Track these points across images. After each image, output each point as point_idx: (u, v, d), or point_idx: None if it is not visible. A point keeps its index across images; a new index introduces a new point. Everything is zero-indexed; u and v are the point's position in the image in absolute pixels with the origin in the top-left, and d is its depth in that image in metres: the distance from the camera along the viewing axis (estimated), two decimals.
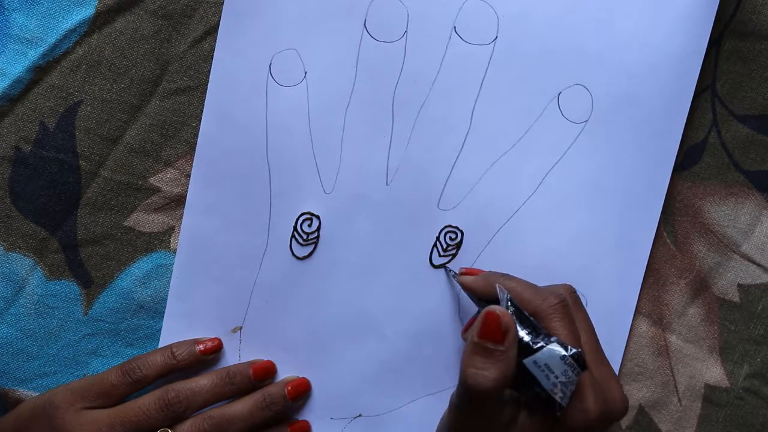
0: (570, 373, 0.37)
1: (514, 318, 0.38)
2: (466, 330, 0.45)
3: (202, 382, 0.44)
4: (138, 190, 0.46)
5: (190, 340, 0.46)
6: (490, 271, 0.45)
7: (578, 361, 0.37)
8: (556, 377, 0.37)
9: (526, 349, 0.38)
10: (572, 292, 0.42)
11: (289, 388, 0.46)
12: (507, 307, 0.39)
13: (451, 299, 0.47)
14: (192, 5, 0.45)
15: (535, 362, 0.37)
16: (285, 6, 0.45)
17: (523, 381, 0.38)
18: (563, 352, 0.37)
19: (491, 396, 0.37)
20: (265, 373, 0.46)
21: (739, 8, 0.47)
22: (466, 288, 0.44)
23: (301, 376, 0.47)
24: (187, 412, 0.43)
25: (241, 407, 0.44)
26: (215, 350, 0.46)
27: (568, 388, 0.37)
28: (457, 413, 0.38)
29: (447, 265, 0.47)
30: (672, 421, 0.50)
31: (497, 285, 0.42)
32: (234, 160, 0.46)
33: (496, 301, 0.41)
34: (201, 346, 0.46)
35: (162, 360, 0.45)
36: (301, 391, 0.46)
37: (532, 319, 0.39)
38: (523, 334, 0.38)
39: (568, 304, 0.41)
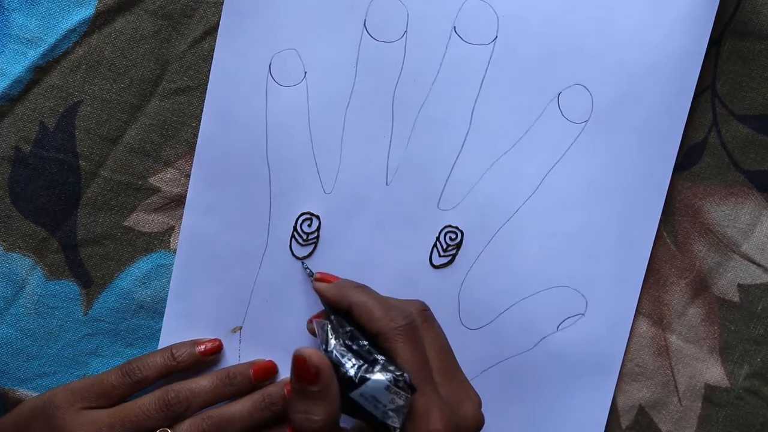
0: (398, 399, 0.37)
1: (338, 350, 0.39)
2: (310, 321, 0.46)
3: (202, 382, 0.44)
4: (138, 190, 0.46)
5: (190, 341, 0.46)
6: (344, 280, 0.44)
7: (407, 386, 0.37)
8: (384, 406, 0.37)
9: (350, 382, 0.37)
10: (423, 309, 0.42)
11: (289, 388, 0.46)
12: (327, 341, 0.39)
13: (451, 299, 0.47)
14: (192, 5, 0.45)
15: (361, 395, 0.37)
16: (285, 6, 0.45)
17: (358, 409, 0.38)
18: (388, 383, 0.37)
19: None
20: (265, 373, 0.46)
21: (739, 8, 0.47)
22: (320, 295, 0.44)
23: None
24: (187, 413, 0.43)
25: (240, 407, 0.44)
26: (215, 351, 0.46)
27: (400, 412, 0.37)
28: None
29: (305, 262, 0.46)
30: (672, 421, 0.50)
31: (315, 321, 0.42)
32: (234, 160, 0.46)
33: (349, 310, 0.41)
34: (201, 347, 0.46)
35: (162, 361, 0.44)
36: None
37: (365, 344, 0.39)
38: (349, 366, 0.38)
39: (416, 325, 0.40)
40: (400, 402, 0.37)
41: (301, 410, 0.37)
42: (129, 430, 0.42)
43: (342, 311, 0.42)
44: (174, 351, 0.45)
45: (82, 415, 0.42)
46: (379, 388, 0.37)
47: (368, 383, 0.37)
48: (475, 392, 0.41)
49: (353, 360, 0.38)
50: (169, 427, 0.43)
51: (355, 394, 0.37)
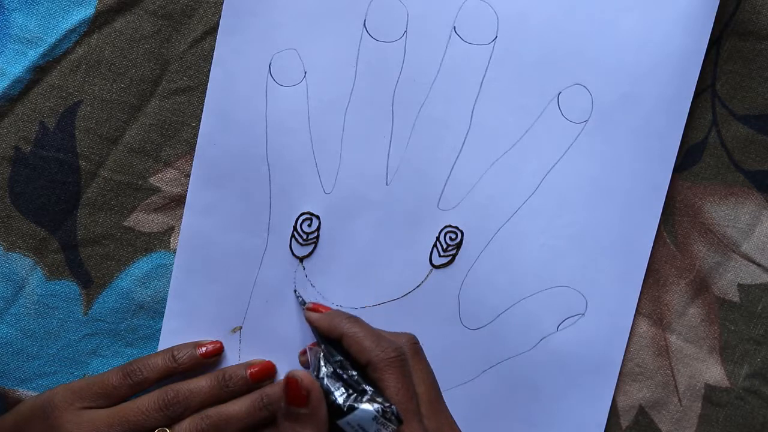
0: (384, 430, 0.38)
1: (328, 377, 0.40)
2: (303, 354, 0.46)
3: (201, 382, 0.44)
4: (138, 190, 0.46)
5: (191, 342, 0.46)
6: (336, 311, 0.45)
7: (394, 417, 0.38)
8: None
9: (339, 411, 0.38)
10: (414, 342, 0.43)
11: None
12: (317, 368, 0.40)
13: (451, 299, 0.47)
14: (192, 5, 0.45)
15: (348, 423, 0.38)
16: (285, 6, 0.45)
17: None
18: (375, 413, 0.38)
19: None
20: (263, 375, 0.46)
21: (739, 8, 0.47)
22: (311, 324, 0.45)
23: None
24: (186, 413, 0.43)
25: (238, 407, 0.44)
26: (216, 353, 0.46)
27: None
28: None
29: (297, 292, 0.47)
30: (672, 421, 0.50)
31: (308, 347, 0.43)
32: (234, 160, 0.46)
33: (339, 340, 0.42)
34: (202, 349, 0.46)
35: (163, 363, 0.45)
36: None
37: (355, 375, 0.40)
38: (338, 395, 0.39)
39: (406, 358, 0.41)
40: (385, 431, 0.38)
41: (290, 431, 0.39)
42: (128, 430, 0.42)
43: (333, 341, 0.43)
44: (175, 353, 0.45)
45: (81, 414, 0.42)
46: (367, 417, 0.38)
47: (356, 412, 0.38)
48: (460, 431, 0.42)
49: (342, 389, 0.39)
50: (167, 427, 0.43)
51: (342, 422, 0.38)
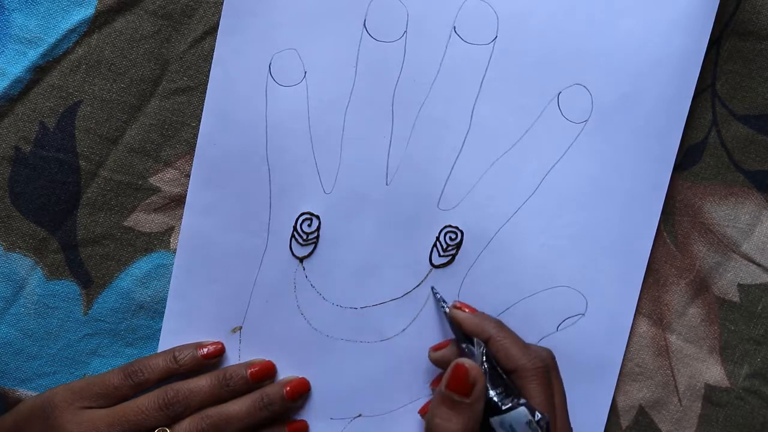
0: None
1: (487, 374, 0.40)
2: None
3: (201, 382, 0.44)
4: (138, 190, 0.46)
5: (192, 344, 0.46)
6: (484, 314, 0.45)
7: (544, 428, 0.38)
8: None
9: (494, 408, 0.39)
10: (553, 357, 0.43)
11: (288, 388, 0.46)
12: (481, 363, 0.40)
13: (451, 299, 0.47)
14: (192, 5, 0.45)
15: (501, 422, 0.38)
16: (285, 6, 0.45)
17: None
18: (530, 417, 0.38)
19: None
20: (263, 375, 0.46)
21: (739, 8, 0.47)
22: (456, 322, 0.44)
23: (300, 376, 0.47)
24: (186, 412, 0.43)
25: (239, 407, 0.44)
26: (217, 355, 0.46)
27: None
28: None
29: (434, 289, 0.47)
30: (672, 421, 0.50)
31: (475, 339, 0.43)
32: (234, 160, 0.46)
33: (487, 342, 0.42)
34: (203, 350, 0.46)
35: (164, 364, 0.45)
36: (300, 392, 0.46)
37: (505, 377, 0.40)
38: (493, 393, 0.39)
39: (549, 370, 0.42)
40: None
41: (443, 416, 0.38)
42: (128, 430, 0.42)
43: (480, 340, 0.43)
44: (176, 354, 0.45)
45: (81, 414, 0.42)
46: (521, 421, 0.38)
47: (512, 413, 0.38)
48: None
49: (500, 389, 0.40)
50: (167, 427, 0.43)
51: (496, 419, 0.39)
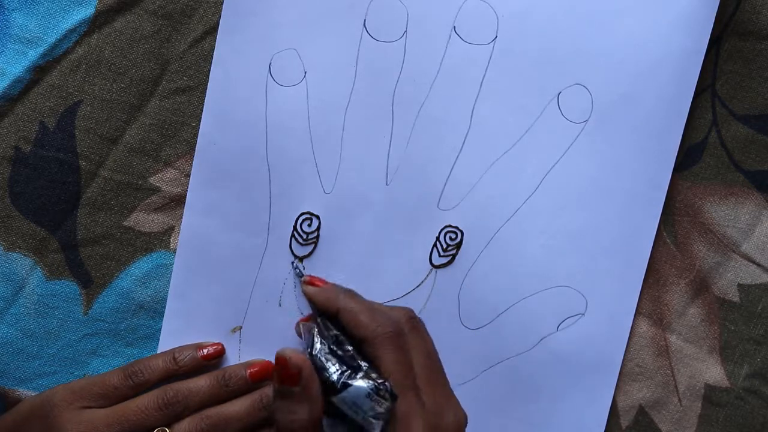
0: (378, 407, 0.38)
1: (323, 354, 0.39)
2: (298, 324, 0.46)
3: (200, 382, 0.44)
4: (138, 189, 0.46)
5: (192, 344, 0.46)
6: (333, 285, 0.45)
7: (389, 393, 0.38)
8: (365, 412, 0.38)
9: (333, 387, 0.38)
10: (411, 317, 0.43)
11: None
12: (312, 343, 0.40)
13: (451, 299, 0.47)
14: (192, 5, 0.45)
15: (342, 401, 0.38)
16: (285, 6, 0.45)
17: (340, 414, 0.38)
18: (368, 390, 0.37)
19: None
20: (263, 375, 0.46)
21: (739, 8, 0.47)
22: (308, 297, 0.44)
23: None
24: (185, 412, 0.43)
25: (238, 407, 0.44)
26: (217, 356, 0.46)
27: (380, 419, 0.38)
28: None
29: (294, 261, 0.46)
30: (672, 421, 0.50)
31: (301, 324, 0.43)
32: (234, 160, 0.46)
33: (336, 315, 0.42)
34: (204, 351, 0.46)
35: (164, 365, 0.45)
36: None
37: (350, 349, 0.40)
38: (333, 371, 0.38)
39: (403, 332, 0.41)
40: (380, 409, 0.38)
41: (284, 410, 0.38)
42: (127, 429, 0.42)
43: (330, 315, 0.42)
44: (176, 354, 0.45)
45: (80, 414, 0.42)
46: (360, 395, 0.38)
47: (349, 389, 0.38)
48: (460, 407, 0.42)
49: (337, 365, 0.39)
50: (167, 426, 0.43)
51: (336, 399, 0.38)
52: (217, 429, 0.43)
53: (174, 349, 0.46)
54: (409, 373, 0.40)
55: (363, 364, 0.39)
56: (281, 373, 0.38)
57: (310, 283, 0.45)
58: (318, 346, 0.40)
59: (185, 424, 0.43)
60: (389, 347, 0.40)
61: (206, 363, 0.46)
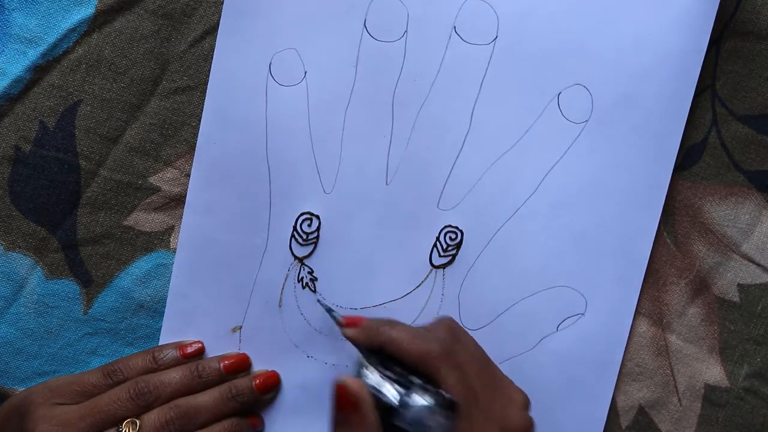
0: (442, 419, 0.37)
1: (377, 379, 0.39)
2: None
3: (173, 374, 0.44)
4: (138, 189, 0.46)
5: (172, 343, 0.46)
6: (370, 321, 0.43)
7: (448, 402, 0.37)
8: (430, 427, 0.37)
9: (390, 409, 0.38)
10: (451, 327, 0.42)
11: (258, 381, 0.45)
12: (360, 371, 0.39)
13: (451, 299, 0.47)
14: (192, 5, 0.45)
15: (406, 420, 0.37)
16: (285, 6, 0.45)
17: None
18: (428, 404, 0.37)
19: None
20: (237, 367, 0.45)
21: (739, 8, 0.47)
22: (350, 340, 0.43)
23: (271, 370, 0.47)
24: (156, 403, 0.43)
25: (207, 398, 0.44)
26: (198, 354, 0.46)
27: (443, 430, 0.37)
28: None
29: (321, 299, 0.46)
30: (672, 421, 0.50)
31: (358, 349, 0.42)
32: (234, 160, 0.46)
33: (381, 349, 0.41)
34: (184, 350, 0.46)
35: (143, 364, 0.44)
36: (270, 384, 0.46)
37: (397, 368, 0.39)
38: (388, 393, 0.38)
39: (450, 350, 0.40)
40: (442, 420, 0.37)
41: None
42: (98, 420, 0.42)
43: (375, 349, 0.42)
44: (156, 353, 0.45)
45: (54, 409, 0.42)
46: (422, 410, 0.37)
47: (411, 408, 0.37)
48: (520, 392, 0.42)
49: (390, 386, 0.39)
50: (137, 417, 0.42)
51: (399, 420, 0.38)
52: (186, 418, 0.43)
53: (154, 348, 0.46)
54: (467, 387, 0.39)
55: (414, 379, 0.39)
56: (340, 401, 0.38)
57: (349, 325, 0.44)
58: (367, 372, 0.40)
59: (154, 413, 0.43)
60: (442, 370, 0.39)
61: (186, 362, 0.45)
